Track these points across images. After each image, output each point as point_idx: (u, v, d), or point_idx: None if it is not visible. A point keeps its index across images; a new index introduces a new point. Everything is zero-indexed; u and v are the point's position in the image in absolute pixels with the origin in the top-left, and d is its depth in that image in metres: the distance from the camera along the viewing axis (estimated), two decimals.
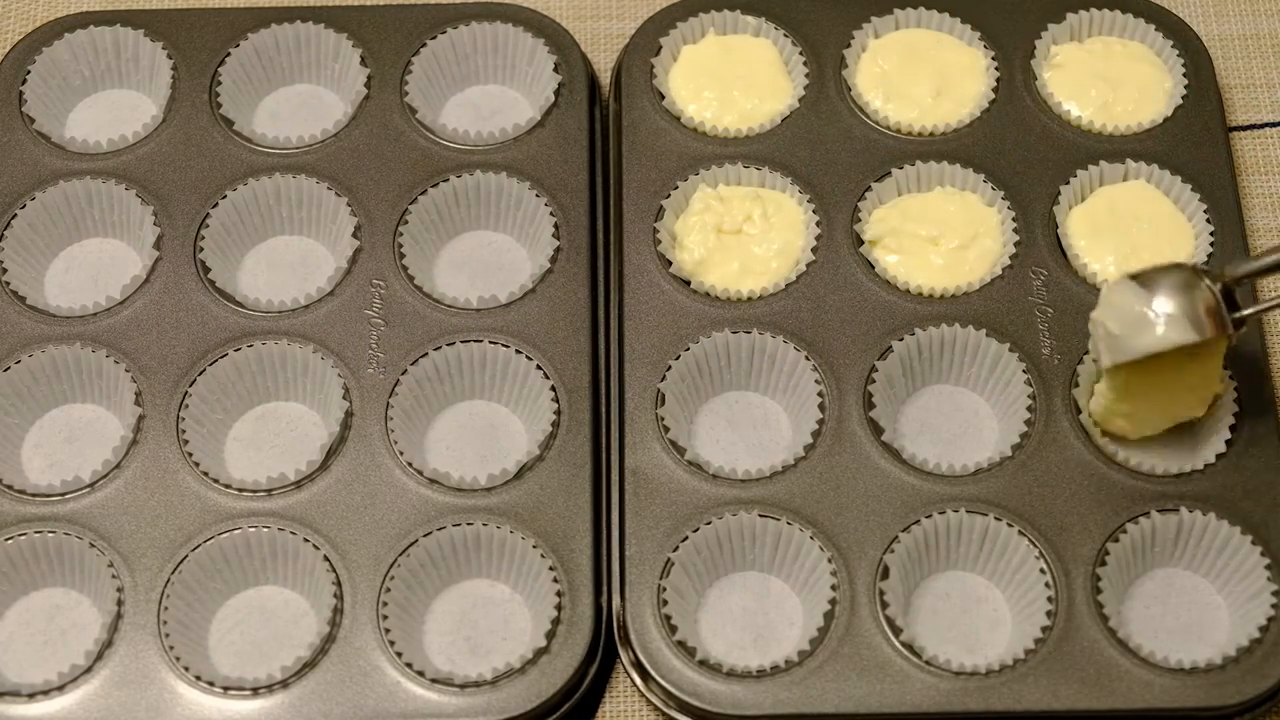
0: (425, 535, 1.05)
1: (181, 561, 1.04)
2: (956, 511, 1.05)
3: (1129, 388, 1.03)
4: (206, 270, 1.15)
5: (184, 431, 1.09)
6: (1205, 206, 1.16)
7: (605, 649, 1.04)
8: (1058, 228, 1.15)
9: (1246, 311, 1.01)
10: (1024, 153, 1.19)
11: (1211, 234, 1.14)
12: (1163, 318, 0.98)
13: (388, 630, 1.02)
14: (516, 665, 1.02)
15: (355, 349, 1.12)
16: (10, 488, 1.07)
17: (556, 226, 1.16)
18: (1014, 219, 1.16)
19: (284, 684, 1.01)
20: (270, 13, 1.25)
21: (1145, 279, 1.00)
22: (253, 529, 1.06)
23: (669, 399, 1.10)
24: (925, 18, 1.25)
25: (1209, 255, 1.14)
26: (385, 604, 1.03)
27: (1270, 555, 1.03)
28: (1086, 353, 1.09)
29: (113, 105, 1.26)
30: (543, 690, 1.01)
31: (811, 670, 1.01)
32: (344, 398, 1.10)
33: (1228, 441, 1.07)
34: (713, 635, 1.05)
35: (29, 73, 1.23)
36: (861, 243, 1.15)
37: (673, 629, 1.02)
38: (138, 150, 1.20)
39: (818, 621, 1.02)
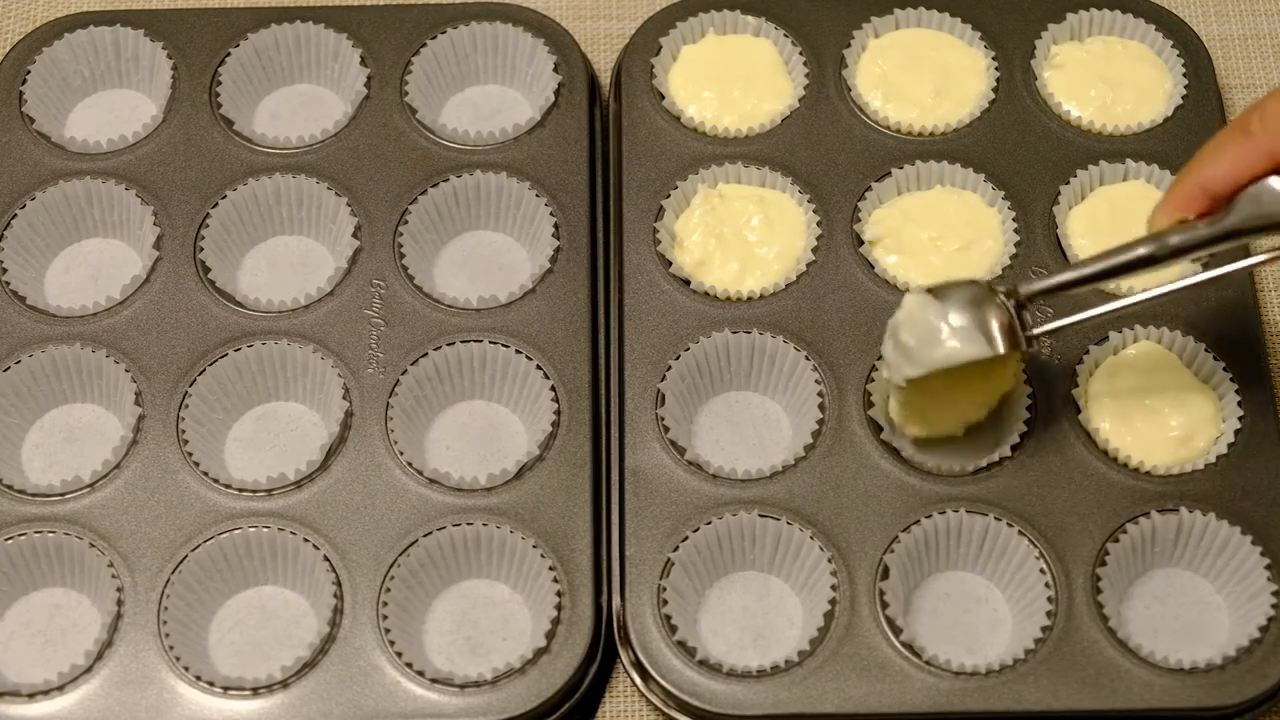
0: (425, 535, 1.05)
1: (181, 561, 1.04)
2: (956, 511, 1.05)
3: (922, 394, 1.04)
4: (206, 270, 1.15)
5: (184, 431, 1.09)
6: None
7: (605, 649, 1.04)
8: (1058, 228, 1.15)
9: (1038, 330, 1.02)
10: (1024, 153, 1.19)
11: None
12: (958, 332, 0.99)
13: (388, 630, 1.02)
14: (516, 665, 1.02)
15: (355, 349, 1.12)
16: (10, 488, 1.07)
17: (556, 226, 1.16)
18: (1014, 219, 1.16)
19: (284, 684, 1.01)
20: (270, 13, 1.25)
21: (941, 293, 1.01)
22: (253, 529, 1.06)
23: (669, 399, 1.10)
24: (925, 18, 1.25)
25: (1209, 256, 1.14)
26: (385, 604, 1.03)
27: (1270, 555, 1.03)
28: (1089, 350, 1.10)
29: (113, 105, 1.26)
30: (543, 690, 1.01)
31: (811, 670, 1.01)
32: (344, 398, 1.10)
33: (1229, 443, 1.07)
34: (713, 635, 1.05)
35: (29, 73, 1.23)
36: (861, 243, 1.15)
37: (673, 629, 1.02)
38: (138, 150, 1.20)
39: (818, 621, 1.02)
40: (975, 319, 1.00)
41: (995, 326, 1.00)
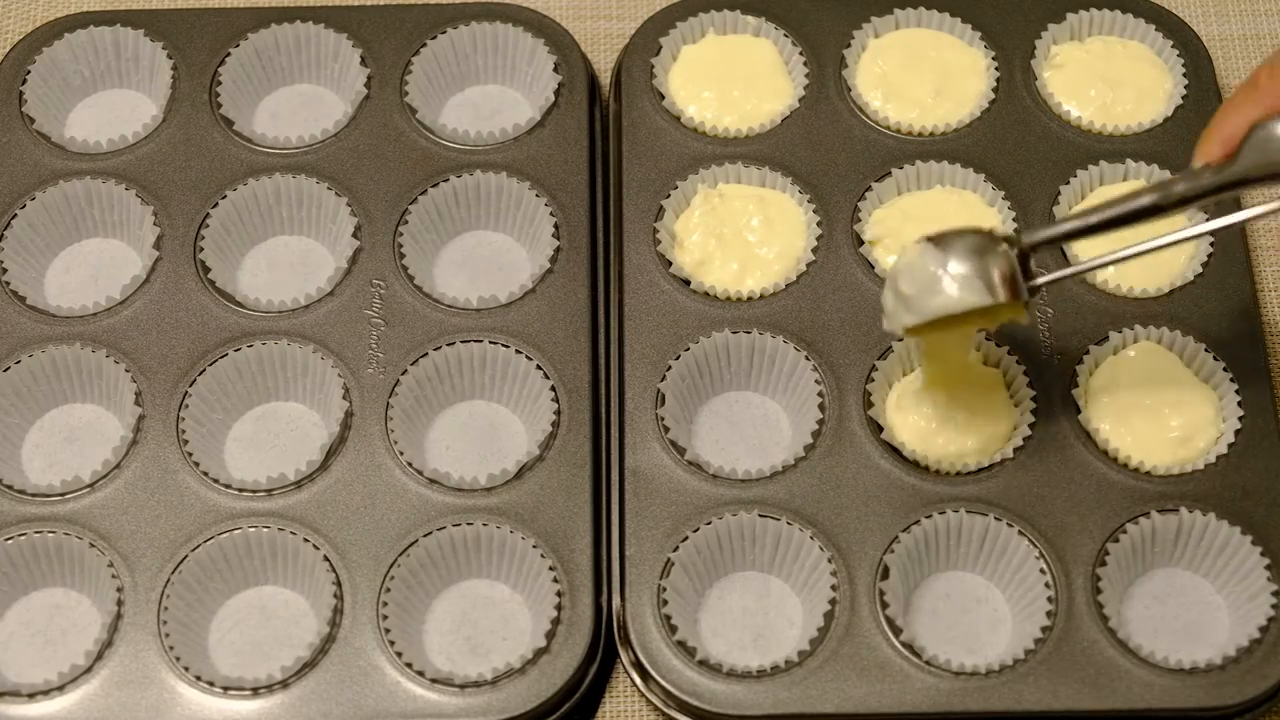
0: (425, 535, 1.05)
1: (181, 561, 1.04)
2: (956, 511, 1.05)
3: (928, 349, 1.04)
4: (206, 270, 1.15)
5: (184, 431, 1.09)
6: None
7: (605, 649, 1.04)
8: None
9: (1040, 280, 1.00)
10: (1024, 153, 1.19)
11: (1212, 234, 1.14)
12: (958, 280, 0.98)
13: (388, 630, 1.02)
14: (516, 665, 1.02)
15: (355, 349, 1.12)
16: (10, 488, 1.07)
17: (556, 226, 1.16)
18: (1014, 219, 1.15)
19: (284, 684, 1.01)
20: (270, 13, 1.25)
21: (941, 241, 0.99)
22: (253, 529, 1.06)
23: (669, 399, 1.10)
24: (925, 18, 1.25)
25: (1209, 257, 1.14)
26: (385, 604, 1.03)
27: (1270, 555, 1.03)
28: (1089, 350, 1.10)
29: (113, 105, 1.26)
30: (543, 690, 1.01)
31: (811, 670, 1.01)
32: (344, 398, 1.10)
33: (1229, 443, 1.07)
34: (713, 635, 1.05)
35: (29, 73, 1.23)
36: (861, 243, 1.15)
37: (673, 629, 1.02)
38: (138, 150, 1.20)
39: (818, 621, 1.02)
40: (976, 267, 0.98)
41: (996, 275, 0.97)
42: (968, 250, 0.98)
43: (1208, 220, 1.02)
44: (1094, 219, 0.98)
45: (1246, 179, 0.94)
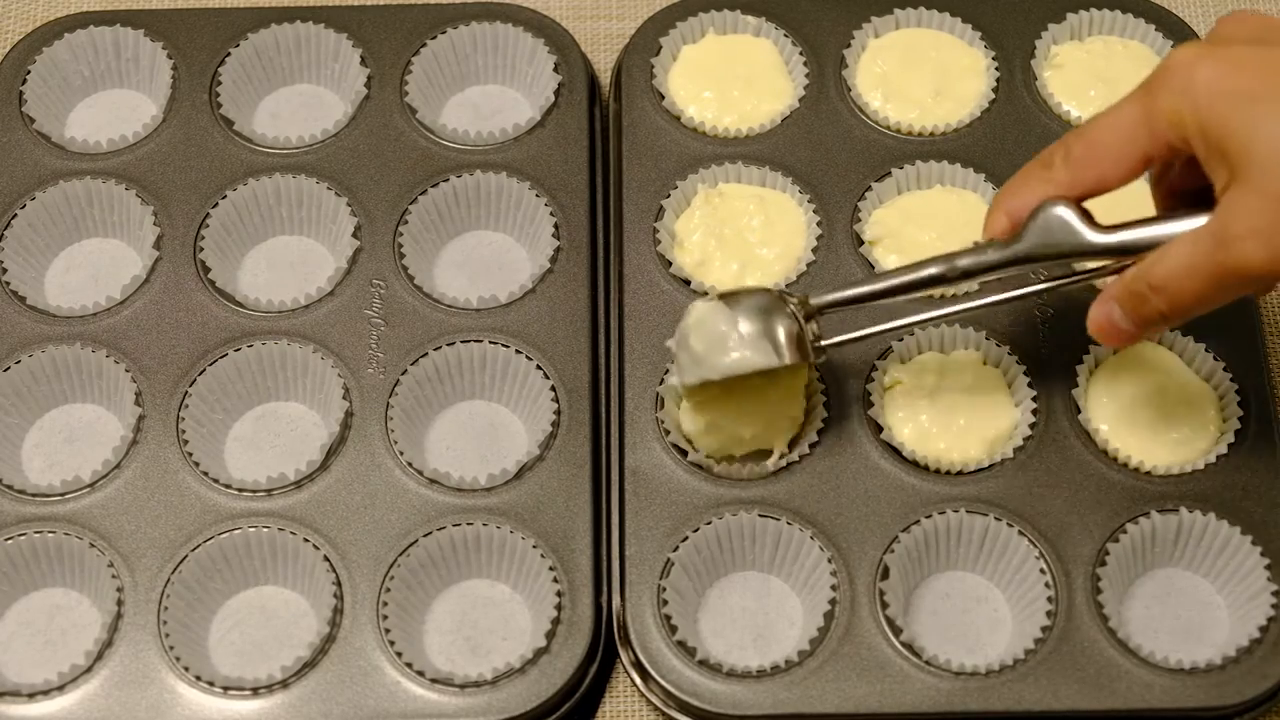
0: (425, 535, 1.05)
1: (181, 561, 1.04)
2: (956, 511, 1.05)
3: (710, 404, 1.04)
4: (206, 270, 1.15)
5: (184, 431, 1.09)
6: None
7: (605, 649, 1.04)
8: None
9: (826, 342, 1.02)
10: (1024, 153, 1.18)
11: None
12: (746, 340, 0.99)
13: (388, 630, 1.02)
14: (516, 665, 1.02)
15: (355, 349, 1.12)
16: (10, 488, 1.08)
17: (556, 226, 1.16)
18: None
19: (284, 684, 1.01)
20: (270, 13, 1.25)
21: (732, 300, 1.01)
22: (253, 529, 1.06)
23: (668, 402, 1.10)
24: (925, 18, 1.25)
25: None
26: (385, 604, 1.03)
27: (1270, 555, 1.03)
28: (1089, 350, 1.10)
29: (113, 105, 1.26)
30: (543, 690, 1.01)
31: (811, 670, 1.01)
32: (344, 398, 1.10)
33: (1229, 443, 1.07)
34: (713, 635, 1.05)
35: (29, 73, 1.23)
36: (861, 243, 1.15)
37: (673, 629, 1.02)
38: (138, 150, 1.20)
39: (818, 621, 1.02)
40: (764, 327, 0.99)
41: (783, 335, 0.99)
42: (755, 310, 1.00)
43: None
44: (879, 285, 1.00)
45: (1030, 257, 0.95)
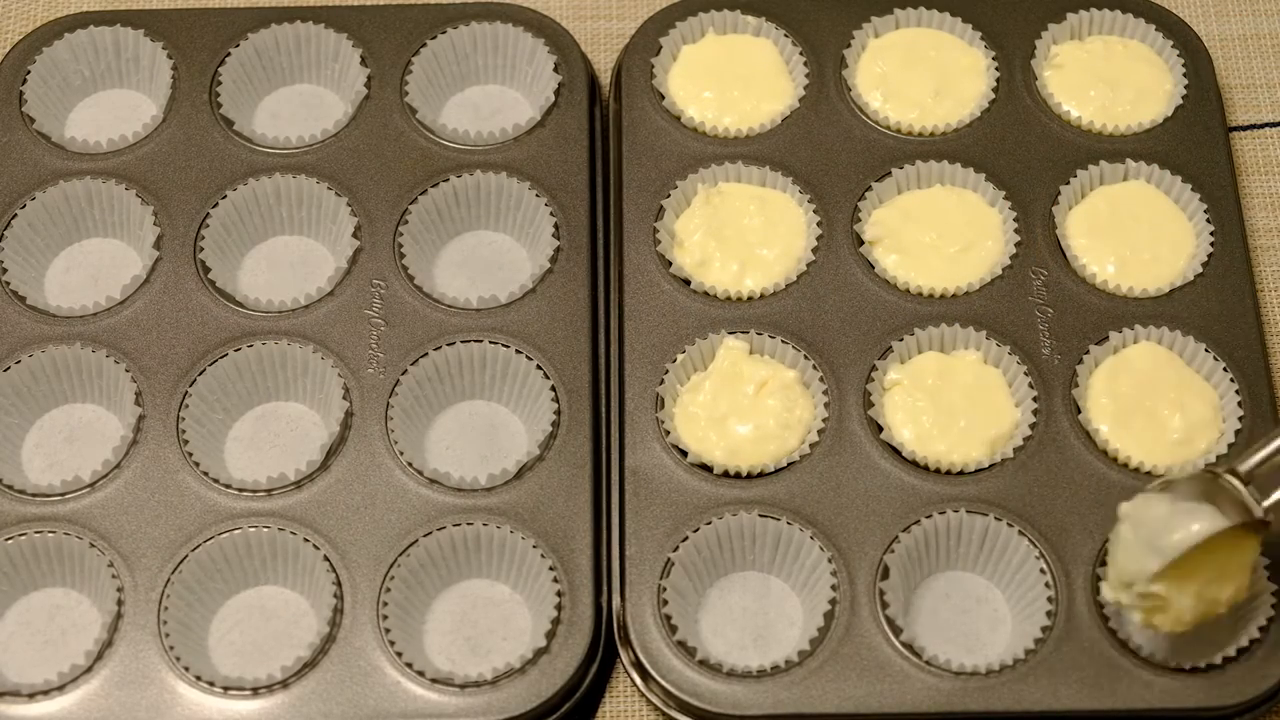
0: (425, 535, 1.05)
1: (181, 561, 1.04)
2: (956, 511, 1.05)
3: (1173, 584, 0.98)
4: (206, 270, 1.15)
5: (184, 431, 1.09)
6: (1205, 206, 1.16)
7: (605, 649, 1.04)
8: (1057, 228, 1.15)
9: (1267, 503, 0.97)
10: (1024, 153, 1.19)
11: (1212, 234, 1.14)
12: (1196, 513, 0.95)
13: (388, 630, 1.02)
14: (516, 665, 1.02)
15: (355, 349, 1.12)
16: (10, 488, 1.07)
17: (556, 226, 1.16)
18: (1014, 219, 1.16)
19: (284, 684, 1.01)
20: (270, 13, 1.25)
21: (1168, 487, 0.97)
22: (253, 529, 1.06)
23: (668, 402, 1.10)
24: (925, 18, 1.25)
25: (1209, 256, 1.14)
26: (385, 604, 1.03)
27: (1270, 555, 1.03)
28: (1089, 350, 1.10)
29: (113, 105, 1.26)
30: (543, 690, 1.01)
31: (811, 670, 1.01)
32: (344, 398, 1.10)
33: (1229, 443, 1.07)
34: (713, 635, 1.05)
35: (29, 73, 1.23)
36: (861, 243, 1.15)
37: (673, 629, 1.02)
38: (138, 150, 1.20)
39: (818, 621, 1.02)
40: (1211, 499, 0.96)
41: (1228, 503, 0.96)
42: (1195, 493, 0.96)
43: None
44: None
45: None
